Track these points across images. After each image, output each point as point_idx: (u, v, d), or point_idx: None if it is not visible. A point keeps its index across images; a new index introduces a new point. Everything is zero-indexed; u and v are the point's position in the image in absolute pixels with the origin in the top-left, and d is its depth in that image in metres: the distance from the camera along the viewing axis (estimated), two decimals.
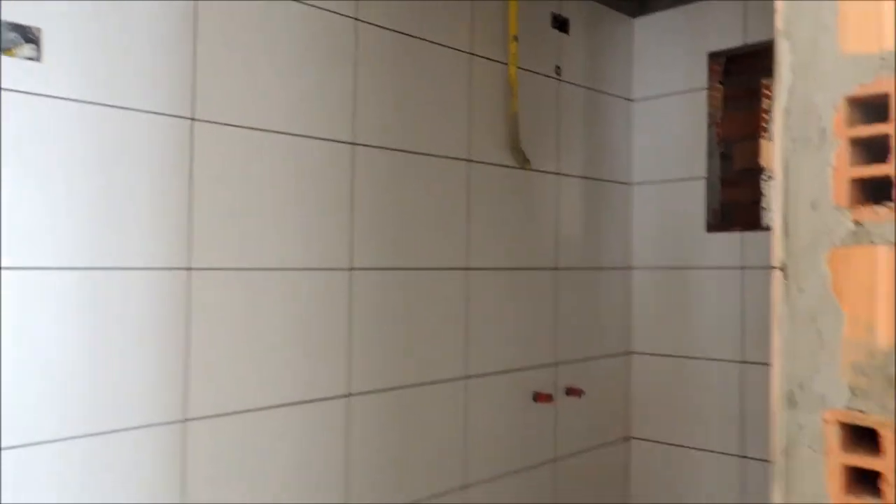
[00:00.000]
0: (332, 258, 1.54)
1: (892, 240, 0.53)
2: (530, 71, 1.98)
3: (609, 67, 2.24)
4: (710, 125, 2.12)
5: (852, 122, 0.55)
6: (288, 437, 1.46)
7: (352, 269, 1.57)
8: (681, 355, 2.21)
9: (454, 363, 1.82)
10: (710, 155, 2.13)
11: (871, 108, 0.55)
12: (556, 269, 2.09)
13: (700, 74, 2.13)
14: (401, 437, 1.69)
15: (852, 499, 0.54)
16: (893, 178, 0.53)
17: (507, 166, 1.93)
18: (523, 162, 1.94)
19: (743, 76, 2.08)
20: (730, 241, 2.08)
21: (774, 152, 0.59)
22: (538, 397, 2.03)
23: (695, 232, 2.15)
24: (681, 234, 2.19)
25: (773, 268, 0.59)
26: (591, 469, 2.20)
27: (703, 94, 2.13)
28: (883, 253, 0.53)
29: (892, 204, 0.53)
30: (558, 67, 2.05)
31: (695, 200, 2.15)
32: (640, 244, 2.27)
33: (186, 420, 1.31)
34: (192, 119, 1.31)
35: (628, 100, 2.30)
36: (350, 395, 1.58)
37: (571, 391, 2.11)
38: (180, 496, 1.30)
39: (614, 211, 2.26)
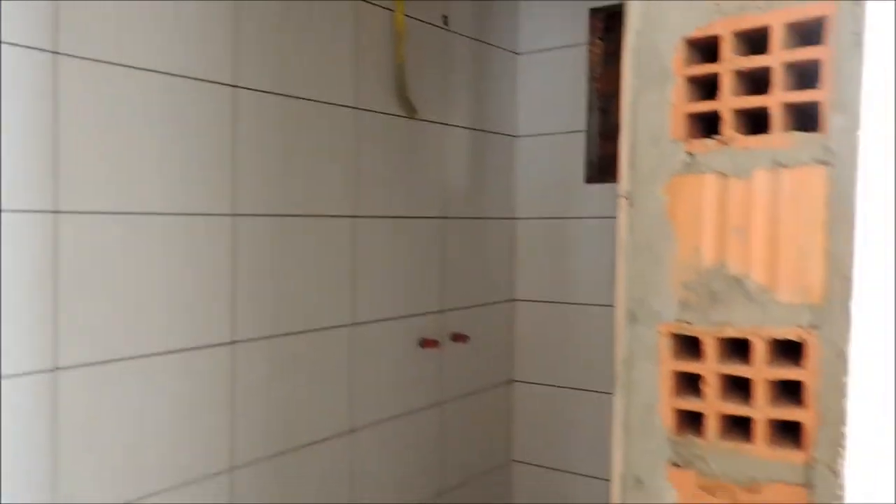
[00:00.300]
0: (214, 204, 1.50)
1: (718, 169, 0.59)
2: (417, 20, 1.98)
3: (496, 20, 2.27)
4: (590, 80, 2.21)
5: (689, 62, 0.60)
6: (170, 385, 1.43)
7: (235, 214, 1.54)
8: (561, 301, 2.32)
9: (341, 310, 1.83)
10: (589, 109, 2.22)
11: (705, 49, 0.60)
12: (442, 218, 2.14)
13: (582, 30, 2.20)
14: (287, 383, 1.69)
15: (679, 401, 0.61)
16: (720, 114, 0.59)
17: (395, 115, 1.94)
18: (411, 111, 1.95)
19: (622, 32, 2.17)
20: (606, 192, 2.19)
21: (623, 90, 0.63)
22: (424, 343, 2.08)
23: (575, 184, 2.25)
24: (562, 186, 2.28)
25: (621, 197, 0.64)
26: (477, 411, 2.29)
27: (585, 50, 2.21)
28: (709, 181, 0.59)
29: (719, 136, 0.59)
30: (445, 17, 2.05)
31: (575, 153, 2.25)
32: (524, 195, 2.35)
33: (57, 369, 1.25)
34: (55, 53, 1.23)
35: (514, 53, 2.34)
36: (235, 342, 1.56)
37: (457, 337, 2.18)
38: (51, 447, 1.25)
39: (499, 163, 2.32)
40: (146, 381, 1.39)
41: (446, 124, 2.12)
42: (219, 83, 1.49)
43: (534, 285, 2.37)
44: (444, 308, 2.15)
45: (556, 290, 2.32)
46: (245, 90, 1.54)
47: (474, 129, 2.21)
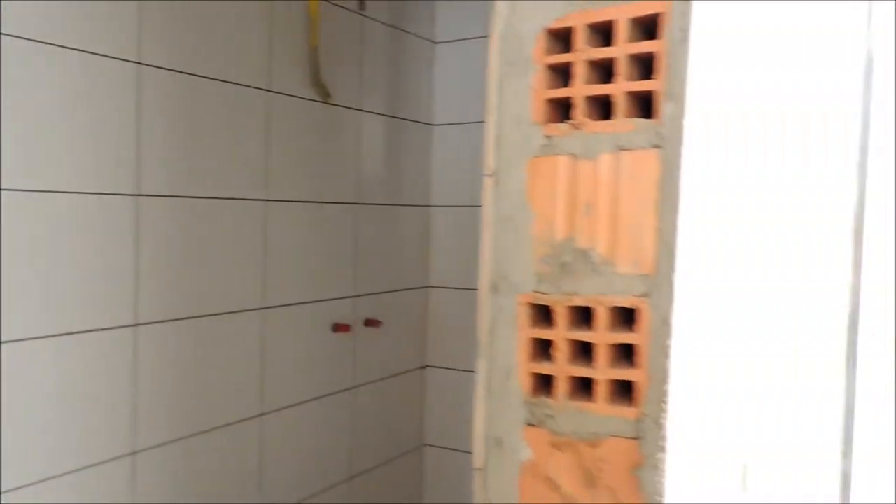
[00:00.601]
0: (117, 184, 1.47)
1: (571, 151, 0.64)
2: (334, 4, 1.98)
3: (413, 9, 2.30)
4: None
5: (549, 51, 0.65)
6: (66, 368, 1.40)
7: (139, 194, 1.52)
8: (474, 288, 2.38)
9: (251, 294, 1.83)
10: None
11: (563, 39, 0.65)
12: (357, 204, 2.15)
13: None
14: (195, 367, 1.68)
15: (534, 365, 0.66)
16: (573, 100, 0.64)
17: (309, 99, 1.94)
18: (325, 96, 1.96)
19: None
20: None
21: (489, 75, 0.67)
22: (337, 328, 2.10)
23: None
24: (477, 174, 2.33)
25: (487, 176, 0.68)
26: (389, 395, 2.33)
27: None
28: (563, 162, 0.64)
29: (572, 121, 0.64)
30: (362, 2, 2.07)
31: None
32: (439, 183, 2.40)
33: None
34: None
35: (432, 42, 2.38)
36: (137, 325, 1.54)
37: (370, 322, 2.21)
38: None
39: (415, 150, 2.35)
40: (42, 363, 1.36)
41: (362, 110, 2.13)
42: (123, 60, 1.46)
43: (447, 272, 2.42)
44: (357, 293, 2.18)
45: (470, 276, 2.38)
46: (151, 68, 1.52)
47: (390, 117, 2.23)
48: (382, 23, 2.16)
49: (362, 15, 2.08)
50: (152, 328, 1.57)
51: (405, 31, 2.26)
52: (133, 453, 1.54)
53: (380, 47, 2.17)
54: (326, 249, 2.06)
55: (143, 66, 1.50)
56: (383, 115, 2.20)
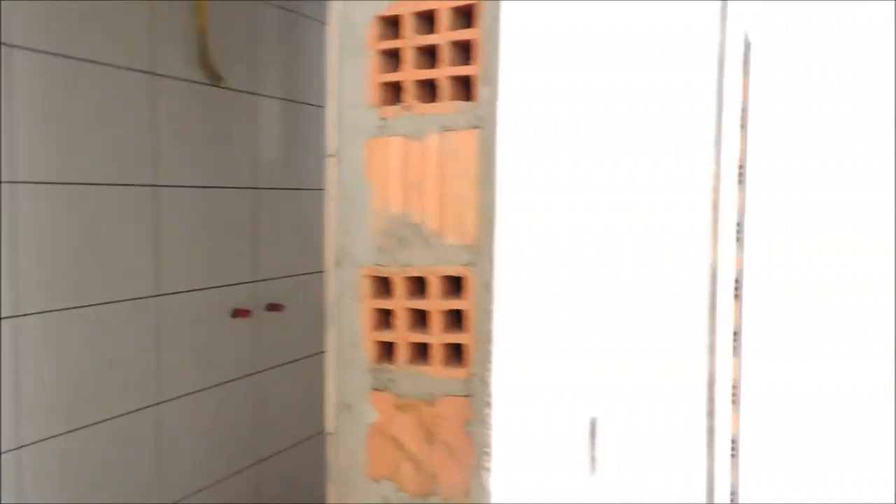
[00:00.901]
0: None
1: (403, 132, 0.68)
2: None
3: None
4: None
5: (381, 38, 0.69)
6: None
7: (11, 182, 1.47)
8: None
9: (144, 281, 1.80)
10: None
11: (394, 25, 0.69)
12: (254, 188, 2.15)
13: None
14: (80, 358, 1.65)
15: (377, 333, 0.71)
16: (404, 84, 0.68)
17: (198, 82, 1.91)
18: (215, 79, 1.94)
19: None
20: None
21: (328, 60, 0.71)
22: (237, 313, 2.09)
23: None
24: None
25: (329, 156, 0.72)
26: (293, 379, 2.34)
27: None
28: (396, 142, 0.68)
29: (403, 104, 0.68)
30: None
31: None
32: None
33: None
34: None
35: (325, 24, 2.38)
36: (15, 315, 1.50)
37: (272, 307, 2.21)
38: None
39: (312, 133, 2.36)
40: None
41: (257, 94, 2.12)
42: None
43: None
44: (258, 278, 2.17)
45: None
46: (19, 49, 1.47)
47: (287, 100, 2.23)
48: (275, 5, 2.15)
49: None
50: (33, 319, 1.53)
51: (299, 14, 2.26)
52: (18, 448, 1.50)
53: (274, 30, 2.15)
54: (224, 235, 2.04)
55: (12, 48, 1.45)
56: (280, 98, 2.20)
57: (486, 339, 0.66)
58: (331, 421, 0.74)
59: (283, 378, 2.29)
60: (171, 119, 1.84)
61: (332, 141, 0.71)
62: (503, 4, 0.62)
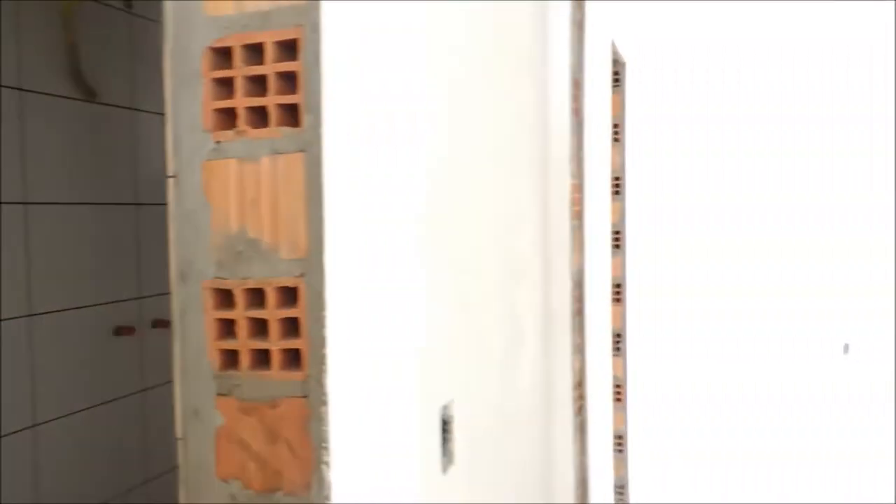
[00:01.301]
0: None
1: (237, 155, 0.73)
2: (99, 2, 1.94)
3: None
4: None
5: (214, 66, 0.74)
6: None
7: None
8: None
9: (13, 301, 1.75)
10: None
11: (226, 56, 0.74)
12: (136, 204, 2.12)
13: None
14: None
15: (221, 343, 0.76)
16: (237, 110, 0.73)
17: (71, 98, 1.89)
18: (89, 95, 1.92)
19: None
20: None
21: (166, 87, 0.75)
22: (120, 331, 2.06)
23: None
24: None
25: (169, 177, 0.76)
26: None
27: None
28: (231, 164, 0.74)
29: (236, 129, 0.74)
30: (128, 1, 2.04)
31: None
32: None
33: None
34: None
35: None
36: None
37: (159, 323, 2.19)
38: None
39: None
40: None
41: (136, 109, 2.10)
42: None
43: None
44: (142, 294, 2.15)
45: None
46: None
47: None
48: (153, 21, 2.14)
49: (130, 13, 2.05)
50: None
51: None
52: None
53: (152, 46, 2.14)
54: (105, 251, 2.01)
55: None
56: (160, 113, 2.18)
57: (319, 343, 0.72)
58: (180, 427, 0.78)
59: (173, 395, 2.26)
60: (41, 135, 1.80)
61: (171, 163, 0.76)
62: (324, 38, 0.69)
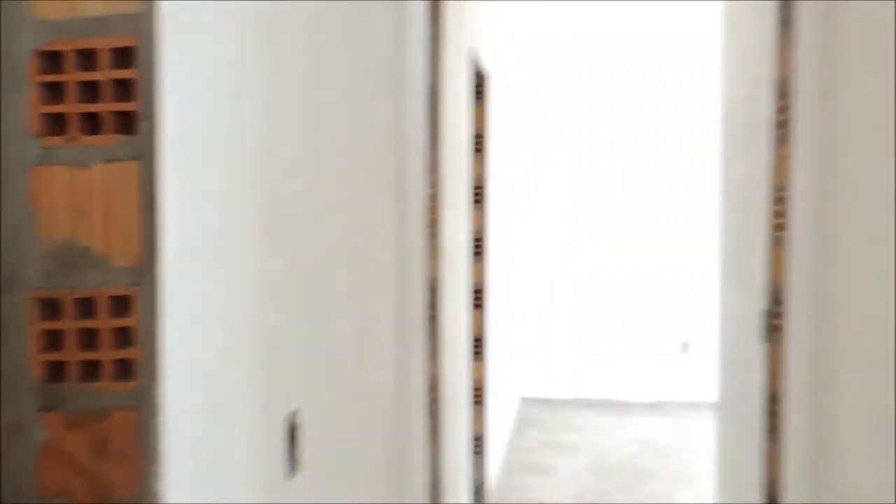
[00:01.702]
0: None
1: (67, 161, 0.72)
2: None
3: None
4: None
5: (43, 71, 0.72)
6: None
7: None
8: None
9: None
10: None
11: (58, 61, 0.72)
12: None
13: None
14: None
15: (46, 355, 0.73)
16: (68, 116, 0.72)
17: None
18: None
19: None
20: None
21: None
22: None
23: None
24: None
25: None
26: None
27: None
28: (61, 171, 0.72)
29: (67, 135, 0.72)
30: None
31: None
32: None
33: None
34: None
35: None
36: None
37: None
38: None
39: None
40: None
41: None
42: None
43: None
44: None
45: None
46: None
47: None
48: None
49: None
50: None
51: None
52: None
53: None
54: None
55: None
56: None
57: (152, 353, 0.71)
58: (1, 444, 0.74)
59: None
60: None
61: None
62: (159, 46, 0.69)
